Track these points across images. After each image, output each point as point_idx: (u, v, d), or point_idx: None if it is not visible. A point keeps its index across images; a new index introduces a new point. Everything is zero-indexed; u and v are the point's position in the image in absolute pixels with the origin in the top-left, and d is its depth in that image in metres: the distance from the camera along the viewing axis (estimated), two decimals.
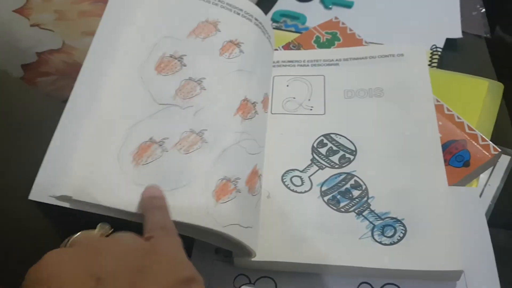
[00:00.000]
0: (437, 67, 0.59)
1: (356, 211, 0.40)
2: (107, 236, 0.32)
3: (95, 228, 0.32)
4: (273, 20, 0.71)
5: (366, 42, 0.55)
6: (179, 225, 0.35)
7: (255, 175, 0.41)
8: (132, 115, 0.40)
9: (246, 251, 0.37)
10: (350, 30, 0.57)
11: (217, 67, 0.44)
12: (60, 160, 0.37)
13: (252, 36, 0.48)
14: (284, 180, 0.43)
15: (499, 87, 0.51)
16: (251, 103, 0.44)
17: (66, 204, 0.35)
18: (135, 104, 0.40)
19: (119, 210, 0.35)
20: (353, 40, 0.56)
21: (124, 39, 0.43)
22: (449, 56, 0.62)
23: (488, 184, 0.48)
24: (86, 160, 0.37)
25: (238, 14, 0.48)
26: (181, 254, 0.29)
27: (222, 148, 0.40)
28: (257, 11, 0.50)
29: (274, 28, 0.67)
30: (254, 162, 0.42)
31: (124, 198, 0.36)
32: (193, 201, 0.36)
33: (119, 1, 0.45)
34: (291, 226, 0.40)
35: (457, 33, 0.64)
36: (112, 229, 0.33)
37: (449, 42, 0.63)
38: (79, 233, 0.30)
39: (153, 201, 0.35)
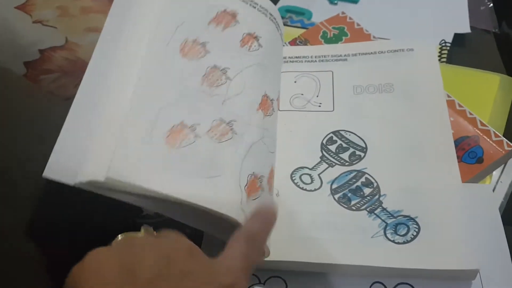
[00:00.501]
0: (446, 62, 0.58)
1: (367, 209, 0.39)
2: None
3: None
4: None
5: (374, 37, 0.55)
6: (197, 216, 0.33)
7: (272, 174, 0.40)
8: (160, 97, 0.38)
9: None
10: (358, 25, 0.56)
11: (239, 59, 0.43)
12: (77, 144, 0.35)
13: (268, 31, 0.47)
14: (294, 178, 0.42)
15: (510, 82, 0.50)
16: (270, 100, 0.43)
17: (97, 189, 0.33)
18: (163, 86, 0.38)
19: (152, 194, 0.33)
20: (361, 35, 0.55)
21: (144, 21, 0.41)
22: (458, 51, 0.61)
23: (500, 181, 0.47)
24: (113, 143, 0.34)
25: (254, 7, 0.46)
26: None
27: (250, 142, 0.38)
28: (272, 7, 0.48)
29: None
30: (273, 160, 0.41)
31: (159, 180, 0.33)
32: (228, 193, 0.34)
33: None
34: (301, 225, 0.39)
35: (465, 28, 0.63)
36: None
37: (458, 37, 0.62)
38: (122, 235, 0.29)
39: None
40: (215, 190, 0.34)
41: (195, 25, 0.43)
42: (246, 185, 0.36)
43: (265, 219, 0.32)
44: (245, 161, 0.37)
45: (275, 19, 0.48)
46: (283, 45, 0.51)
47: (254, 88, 0.42)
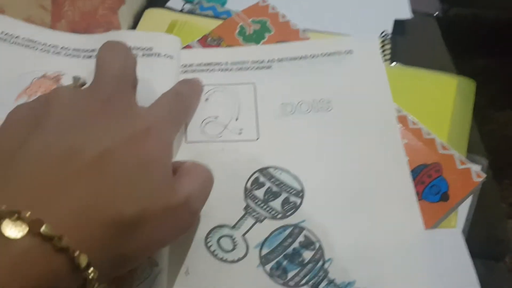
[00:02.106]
0: (391, 56, 0.49)
1: (310, 283, 0.29)
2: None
3: None
4: (186, 0, 0.58)
5: (304, 31, 0.44)
6: None
7: None
8: None
9: None
10: (283, 17, 0.45)
11: None
12: None
13: None
14: (209, 244, 0.31)
15: (469, 85, 0.41)
16: None
17: None
18: None
19: None
20: (287, 31, 0.43)
21: None
22: (400, 42, 0.52)
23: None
24: None
25: (90, 57, 0.38)
26: None
27: None
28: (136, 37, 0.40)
29: (186, 12, 0.54)
30: None
31: None
32: None
33: None
34: None
35: (406, 13, 0.54)
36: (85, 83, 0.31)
37: (398, 25, 0.53)
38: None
39: None
40: None
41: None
42: None
43: (193, 85, 0.36)
44: None
45: (143, 49, 0.39)
46: (171, 57, 0.39)
47: None
